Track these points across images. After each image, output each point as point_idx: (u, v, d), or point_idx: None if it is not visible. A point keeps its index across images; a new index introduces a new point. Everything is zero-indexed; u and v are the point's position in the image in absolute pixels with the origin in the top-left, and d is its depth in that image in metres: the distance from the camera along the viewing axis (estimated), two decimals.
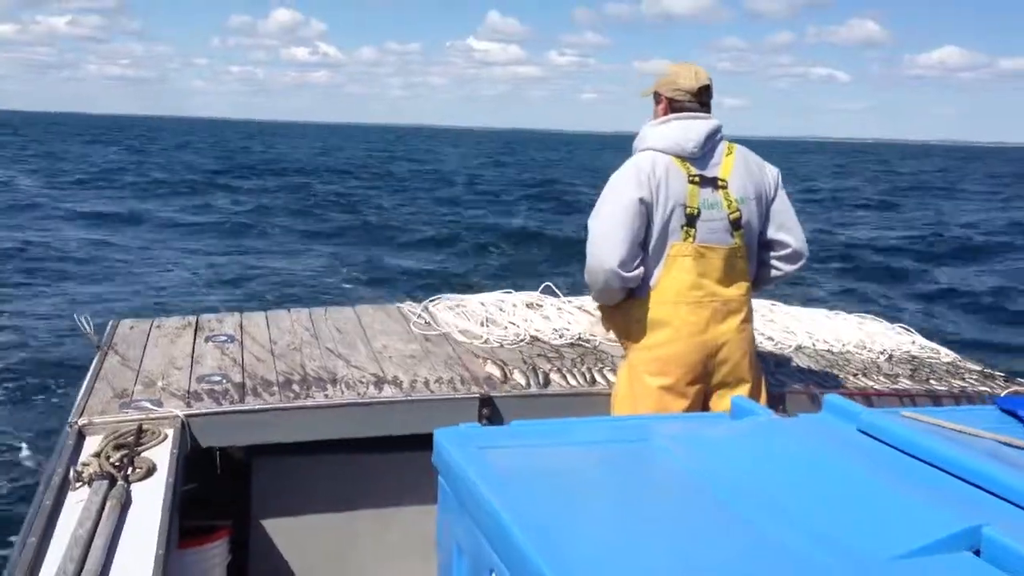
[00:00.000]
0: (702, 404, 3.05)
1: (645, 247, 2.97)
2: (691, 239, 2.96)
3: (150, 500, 2.57)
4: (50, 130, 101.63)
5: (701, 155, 3.00)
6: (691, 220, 2.95)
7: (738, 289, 3.05)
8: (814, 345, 4.26)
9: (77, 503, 2.50)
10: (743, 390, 3.04)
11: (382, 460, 3.46)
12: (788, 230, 3.14)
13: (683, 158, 2.98)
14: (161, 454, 2.85)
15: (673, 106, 3.06)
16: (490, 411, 3.36)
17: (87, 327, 3.80)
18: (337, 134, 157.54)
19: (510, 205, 30.52)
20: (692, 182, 2.96)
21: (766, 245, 3.16)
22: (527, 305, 4.58)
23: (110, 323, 4.17)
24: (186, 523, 3.30)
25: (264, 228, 22.29)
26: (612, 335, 3.36)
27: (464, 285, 13.04)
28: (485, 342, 4.03)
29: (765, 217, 3.11)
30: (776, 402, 3.38)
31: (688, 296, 2.98)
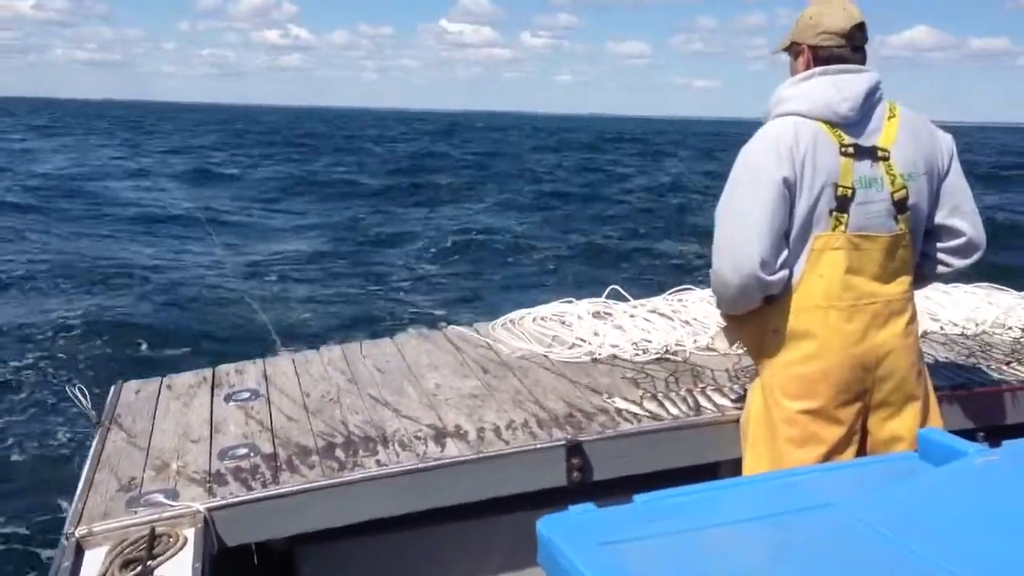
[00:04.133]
0: (861, 426, 2.41)
1: (787, 239, 2.33)
2: (843, 227, 2.31)
3: None
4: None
5: (857, 119, 2.34)
6: (843, 203, 2.30)
7: (900, 285, 2.41)
8: (942, 329, 3.59)
9: None
10: (912, 410, 2.40)
11: (453, 530, 2.83)
12: (963, 215, 2.48)
13: (833, 123, 2.33)
14: (181, 567, 2.24)
15: (819, 56, 2.39)
16: (580, 461, 2.73)
17: (83, 400, 3.16)
18: (313, 117, 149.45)
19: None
20: (845, 154, 2.31)
21: (932, 233, 2.51)
22: (593, 315, 3.94)
23: (112, 389, 3.53)
24: None
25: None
26: (737, 348, 2.70)
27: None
28: (553, 367, 3.40)
29: (935, 197, 2.46)
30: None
31: (841, 299, 2.34)
